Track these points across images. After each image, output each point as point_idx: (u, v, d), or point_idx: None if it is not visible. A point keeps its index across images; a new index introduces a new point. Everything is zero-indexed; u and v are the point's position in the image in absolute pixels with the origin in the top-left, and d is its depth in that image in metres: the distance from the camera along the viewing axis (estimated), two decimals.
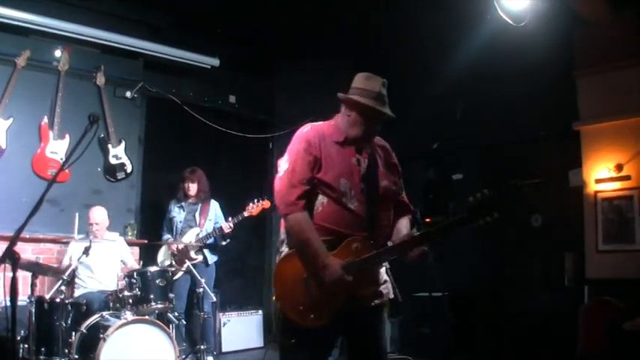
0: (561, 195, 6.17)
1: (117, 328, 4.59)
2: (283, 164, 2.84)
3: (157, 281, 5.19)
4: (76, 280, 5.41)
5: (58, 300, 4.76)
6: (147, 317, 4.95)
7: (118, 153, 6.65)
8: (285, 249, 2.88)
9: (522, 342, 6.33)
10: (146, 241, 6.68)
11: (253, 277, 8.22)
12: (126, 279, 5.18)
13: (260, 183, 7.94)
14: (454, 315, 6.68)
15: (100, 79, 6.60)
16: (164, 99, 7.24)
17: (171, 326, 5.34)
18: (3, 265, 3.03)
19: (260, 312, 7.58)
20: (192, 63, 7.22)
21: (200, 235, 6.26)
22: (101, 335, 4.53)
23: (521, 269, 6.59)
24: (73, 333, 4.73)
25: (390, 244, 2.80)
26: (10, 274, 2.80)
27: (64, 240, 5.94)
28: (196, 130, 7.41)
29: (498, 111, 6.73)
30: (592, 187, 6.04)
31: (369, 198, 2.82)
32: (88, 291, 5.40)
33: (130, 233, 6.65)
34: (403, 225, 2.97)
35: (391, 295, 2.93)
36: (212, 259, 6.41)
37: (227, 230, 6.20)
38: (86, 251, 5.11)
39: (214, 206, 6.51)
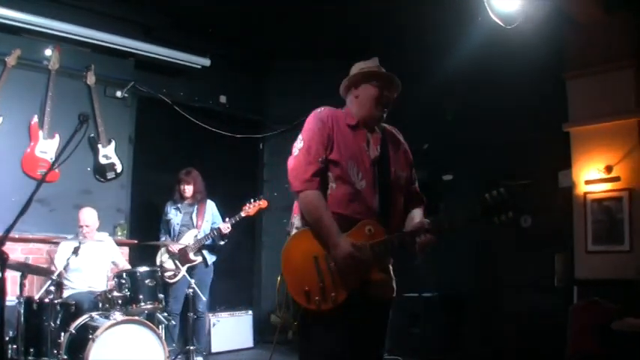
0: (551, 196, 6.20)
1: (106, 329, 4.56)
2: (298, 144, 2.86)
3: (147, 281, 5.17)
4: (65, 280, 5.38)
5: (47, 300, 4.74)
6: (136, 317, 4.93)
7: (107, 153, 6.62)
8: (296, 229, 2.87)
9: (512, 342, 6.35)
10: (136, 241, 6.66)
11: (243, 277, 8.21)
12: (115, 279, 5.17)
13: (250, 183, 7.94)
14: (444, 315, 6.71)
15: (91, 79, 6.56)
16: (155, 99, 7.23)
17: (160, 326, 5.32)
18: None
19: (250, 312, 7.58)
20: (183, 63, 7.21)
21: (198, 237, 6.24)
22: (90, 336, 4.51)
23: (510, 270, 6.60)
24: (62, 333, 4.70)
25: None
26: None
27: (54, 240, 5.91)
28: (187, 130, 7.42)
29: (489, 112, 6.74)
30: (582, 188, 6.06)
31: (380, 183, 2.83)
32: (77, 291, 5.36)
33: (119, 233, 6.62)
34: (417, 214, 2.97)
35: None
36: (211, 259, 6.40)
37: (225, 231, 6.19)
38: (75, 252, 5.10)
39: (211, 207, 6.49)
